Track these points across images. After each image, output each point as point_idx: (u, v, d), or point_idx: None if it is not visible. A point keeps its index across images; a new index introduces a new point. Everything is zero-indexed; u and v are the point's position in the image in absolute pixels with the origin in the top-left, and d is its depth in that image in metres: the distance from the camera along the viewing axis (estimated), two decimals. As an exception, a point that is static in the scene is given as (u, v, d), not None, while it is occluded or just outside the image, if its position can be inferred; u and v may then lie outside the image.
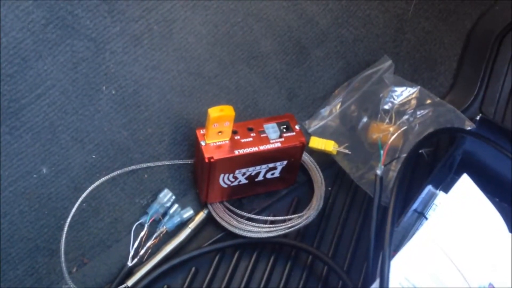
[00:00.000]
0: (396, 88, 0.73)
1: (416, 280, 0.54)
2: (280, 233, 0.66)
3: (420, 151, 0.69)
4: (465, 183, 0.61)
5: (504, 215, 0.61)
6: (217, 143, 0.63)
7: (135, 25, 0.67)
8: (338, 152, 0.73)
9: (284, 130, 0.65)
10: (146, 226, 0.66)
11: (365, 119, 0.75)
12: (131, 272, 0.65)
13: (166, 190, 0.68)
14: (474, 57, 0.82)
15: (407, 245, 0.56)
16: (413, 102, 0.73)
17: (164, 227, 0.67)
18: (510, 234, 0.60)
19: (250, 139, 0.64)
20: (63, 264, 0.60)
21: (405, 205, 0.64)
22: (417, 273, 0.54)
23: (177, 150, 0.70)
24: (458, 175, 0.64)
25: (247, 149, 0.63)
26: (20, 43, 0.61)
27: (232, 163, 0.63)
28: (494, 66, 0.80)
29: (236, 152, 0.62)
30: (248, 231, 0.66)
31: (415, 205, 0.64)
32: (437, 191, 0.64)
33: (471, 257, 0.57)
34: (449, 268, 0.55)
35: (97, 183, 0.64)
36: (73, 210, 0.61)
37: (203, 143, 0.62)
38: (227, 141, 0.63)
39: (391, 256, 0.53)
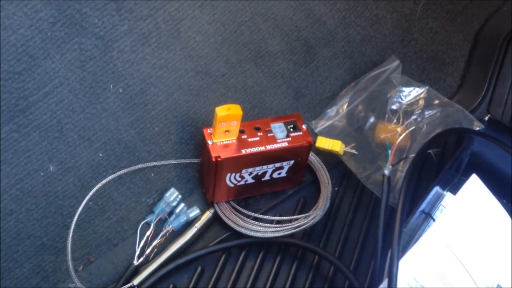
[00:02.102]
0: (404, 88, 0.73)
1: (424, 281, 0.54)
2: (286, 233, 0.66)
3: (429, 151, 0.69)
4: (474, 184, 0.61)
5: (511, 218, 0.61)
6: (224, 142, 0.62)
7: (143, 23, 0.67)
8: (345, 152, 0.72)
9: (291, 129, 0.65)
10: (152, 225, 0.66)
11: (372, 119, 0.74)
12: (137, 271, 0.65)
13: (172, 189, 0.68)
14: (482, 58, 0.81)
15: (415, 245, 0.55)
16: (421, 102, 0.72)
17: (170, 226, 0.67)
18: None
19: (257, 138, 0.64)
20: (70, 263, 0.60)
21: (412, 206, 0.63)
22: (425, 273, 0.54)
23: (183, 149, 0.70)
24: (465, 176, 0.64)
25: (254, 148, 0.63)
26: (29, 41, 0.61)
27: (239, 163, 0.63)
28: (502, 67, 0.80)
29: (243, 152, 0.62)
30: (255, 230, 0.66)
31: (422, 206, 0.63)
32: (445, 192, 0.63)
33: (480, 258, 0.56)
34: (457, 269, 0.55)
35: (104, 181, 0.64)
36: (80, 208, 0.61)
37: (210, 142, 0.62)
38: (234, 140, 0.63)
39: (399, 256, 0.52)
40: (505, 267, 0.57)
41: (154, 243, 0.66)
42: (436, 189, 0.64)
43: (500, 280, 0.56)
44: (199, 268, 0.66)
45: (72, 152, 0.64)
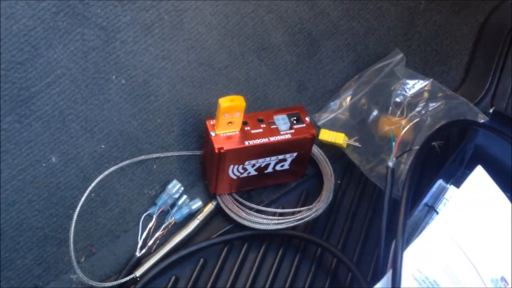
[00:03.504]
0: (408, 81, 0.73)
1: (429, 272, 0.53)
2: (289, 225, 0.66)
3: (433, 143, 0.69)
4: (479, 175, 0.60)
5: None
6: (227, 134, 0.62)
7: (146, 14, 0.67)
8: (348, 145, 0.72)
9: (294, 121, 0.65)
10: (154, 217, 0.66)
11: (375, 112, 0.74)
12: (139, 262, 0.64)
13: (174, 181, 0.68)
14: (486, 51, 0.81)
15: (419, 237, 0.55)
16: (425, 94, 0.72)
17: (173, 218, 0.66)
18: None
19: (260, 130, 0.63)
20: (72, 254, 0.59)
21: (415, 199, 0.63)
22: (429, 264, 0.54)
23: (186, 141, 0.70)
24: (469, 169, 0.64)
25: (257, 140, 0.62)
26: (31, 31, 0.60)
27: (242, 154, 0.63)
28: (506, 60, 0.79)
29: (246, 143, 0.62)
30: (257, 223, 0.66)
31: (425, 199, 0.63)
32: (448, 185, 0.63)
33: (484, 250, 0.56)
34: (461, 261, 0.55)
35: (106, 173, 0.63)
36: (82, 199, 0.61)
37: (213, 134, 0.62)
38: (237, 132, 0.63)
39: (404, 248, 0.52)
40: (509, 259, 0.56)
41: (156, 235, 0.65)
42: (440, 182, 0.64)
43: (504, 272, 0.56)
44: (202, 260, 0.65)
45: (74, 143, 0.64)
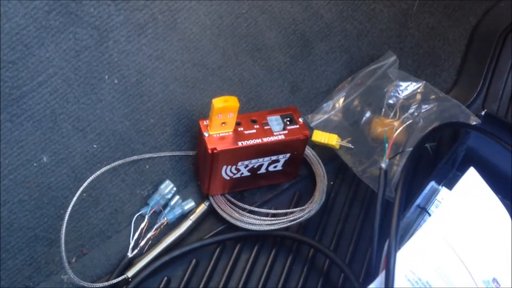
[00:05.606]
0: (401, 83, 0.73)
1: (421, 273, 0.54)
2: (281, 226, 0.66)
3: (425, 145, 0.69)
4: (471, 177, 0.60)
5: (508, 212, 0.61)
6: (221, 134, 0.62)
7: (139, 14, 0.66)
8: (340, 146, 0.72)
9: (288, 122, 0.65)
10: (146, 217, 0.66)
11: (368, 114, 0.74)
12: (131, 263, 0.64)
13: (167, 182, 0.67)
14: (478, 53, 0.82)
15: (412, 238, 0.55)
16: (418, 96, 0.72)
17: (165, 219, 0.66)
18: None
19: (254, 131, 0.63)
20: (63, 254, 0.59)
21: (407, 200, 0.63)
22: (422, 266, 0.54)
23: (179, 141, 0.69)
24: (461, 171, 0.64)
25: (251, 141, 0.62)
26: (23, 30, 0.60)
27: (235, 155, 0.63)
28: (498, 63, 0.80)
29: (240, 144, 0.62)
30: (250, 223, 0.65)
31: (418, 201, 0.63)
32: (440, 187, 0.63)
33: (476, 252, 0.56)
34: (454, 262, 0.55)
35: (98, 173, 0.63)
36: (74, 200, 0.61)
37: (206, 134, 0.62)
38: (231, 133, 0.62)
39: (397, 248, 0.52)
40: (501, 261, 0.57)
41: (149, 235, 0.65)
42: (432, 183, 0.64)
43: (496, 273, 0.56)
44: (194, 261, 0.65)
45: (66, 143, 0.63)
